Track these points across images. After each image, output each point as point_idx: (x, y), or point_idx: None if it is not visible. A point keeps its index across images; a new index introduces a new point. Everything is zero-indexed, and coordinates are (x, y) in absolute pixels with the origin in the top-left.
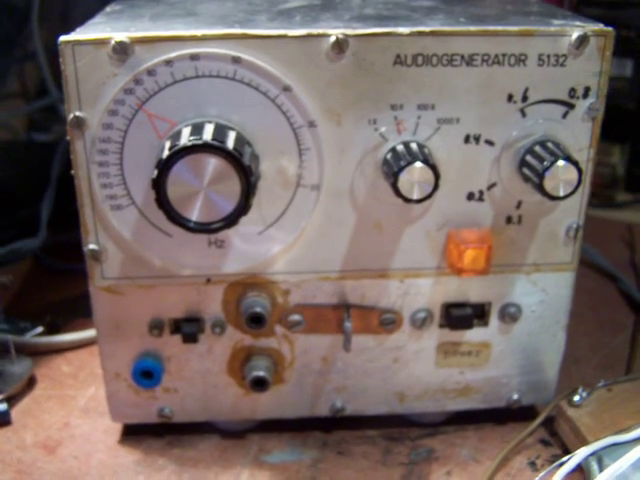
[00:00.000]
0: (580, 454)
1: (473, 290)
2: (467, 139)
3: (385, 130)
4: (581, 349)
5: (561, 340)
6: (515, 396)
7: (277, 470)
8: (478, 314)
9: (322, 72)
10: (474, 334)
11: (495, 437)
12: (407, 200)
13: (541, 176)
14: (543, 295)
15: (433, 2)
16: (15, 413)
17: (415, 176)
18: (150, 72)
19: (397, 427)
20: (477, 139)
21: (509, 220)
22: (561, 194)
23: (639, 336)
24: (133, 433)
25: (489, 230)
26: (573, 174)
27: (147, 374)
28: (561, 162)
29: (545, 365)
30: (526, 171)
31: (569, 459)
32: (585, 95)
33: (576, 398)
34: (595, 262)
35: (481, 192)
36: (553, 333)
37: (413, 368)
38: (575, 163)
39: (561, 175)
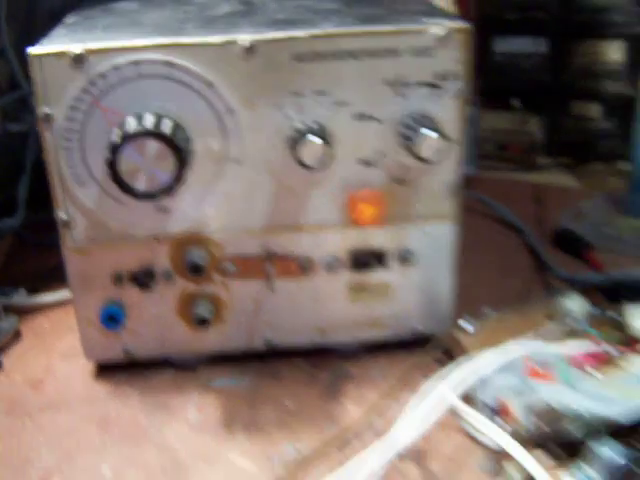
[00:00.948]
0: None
1: (374, 239)
2: (357, 117)
3: (290, 113)
4: (482, 289)
5: (450, 278)
6: (417, 327)
7: (222, 393)
8: (379, 258)
9: (237, 70)
10: (377, 275)
11: (401, 360)
12: (308, 168)
13: (416, 145)
14: (432, 242)
15: (336, 5)
16: (5, 360)
17: (312, 149)
18: (102, 75)
19: (320, 355)
20: (366, 117)
21: (397, 181)
22: (433, 159)
23: (535, 278)
24: (104, 370)
25: (382, 189)
26: (439, 143)
27: (112, 319)
28: (430, 133)
29: (440, 300)
30: (405, 141)
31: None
32: (452, 79)
33: (467, 326)
34: (505, 218)
35: (373, 159)
36: (444, 273)
37: (329, 305)
38: (442, 133)
39: (431, 144)
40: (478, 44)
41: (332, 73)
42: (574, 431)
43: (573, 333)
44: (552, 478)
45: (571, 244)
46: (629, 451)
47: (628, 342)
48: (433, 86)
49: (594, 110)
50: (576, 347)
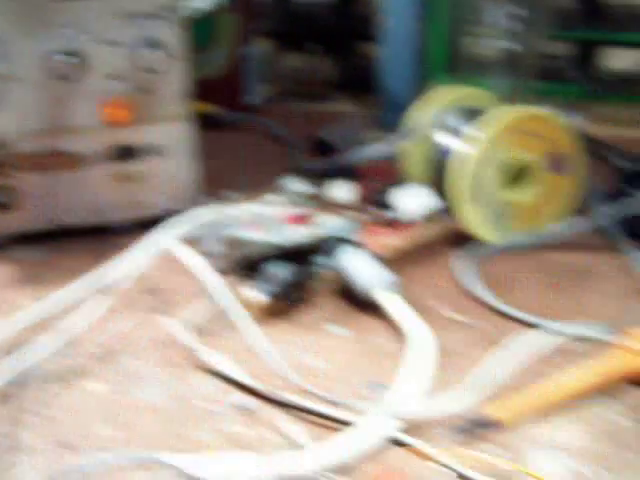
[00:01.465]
0: None
1: (128, 136)
2: (104, 43)
3: (53, 41)
4: (235, 182)
5: (191, 166)
6: (169, 206)
7: (21, 262)
8: (134, 152)
9: (10, 10)
10: (134, 166)
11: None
12: (66, 79)
13: (146, 60)
14: (172, 137)
15: None
16: None
17: (67, 65)
18: None
19: (103, 232)
20: (110, 42)
21: (140, 90)
22: (159, 70)
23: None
24: None
25: (129, 97)
26: (161, 57)
27: None
28: (155, 51)
29: (185, 184)
30: (140, 58)
31: None
32: (172, 11)
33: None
34: (277, 134)
35: (119, 74)
36: (185, 162)
37: (101, 191)
38: (164, 51)
39: (156, 58)
40: None
41: (83, 11)
42: (253, 255)
43: (289, 203)
44: (237, 292)
45: (322, 149)
46: (292, 267)
47: (323, 206)
48: (158, 17)
49: (375, 50)
50: (286, 211)
